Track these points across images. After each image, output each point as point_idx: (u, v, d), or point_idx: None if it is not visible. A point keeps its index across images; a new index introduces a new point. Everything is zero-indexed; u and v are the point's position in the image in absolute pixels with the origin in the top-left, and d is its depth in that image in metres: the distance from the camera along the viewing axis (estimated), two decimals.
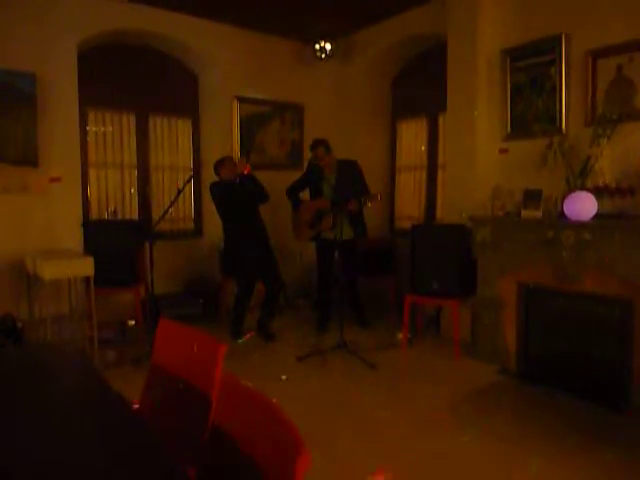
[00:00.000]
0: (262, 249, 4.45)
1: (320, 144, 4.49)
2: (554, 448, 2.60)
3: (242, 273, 4.51)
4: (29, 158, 4.20)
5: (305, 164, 5.25)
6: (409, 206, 5.79)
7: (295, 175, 4.96)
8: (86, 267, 3.80)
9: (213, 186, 4.43)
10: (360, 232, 4.56)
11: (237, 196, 4.31)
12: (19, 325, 4.00)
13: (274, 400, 1.16)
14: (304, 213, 4.58)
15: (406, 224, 5.61)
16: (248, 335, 4.43)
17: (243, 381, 1.30)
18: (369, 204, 4.13)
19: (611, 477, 2.36)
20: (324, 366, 3.81)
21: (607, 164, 3.39)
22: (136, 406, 1.68)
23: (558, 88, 3.75)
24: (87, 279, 3.88)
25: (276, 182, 5.63)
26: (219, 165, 4.42)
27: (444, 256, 4.10)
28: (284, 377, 3.59)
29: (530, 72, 3.93)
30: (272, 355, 4.09)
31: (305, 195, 4.77)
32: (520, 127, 4.00)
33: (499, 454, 2.57)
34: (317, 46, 5.52)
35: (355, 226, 4.49)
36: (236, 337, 4.42)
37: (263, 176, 5.72)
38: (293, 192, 4.71)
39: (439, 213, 5.33)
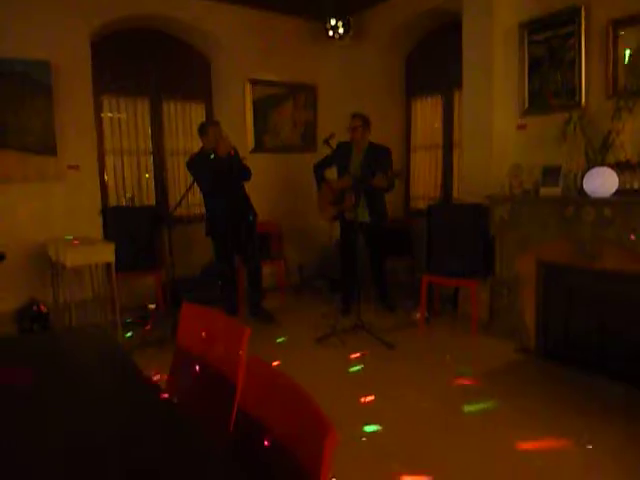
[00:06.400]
0: (240, 225, 4.43)
1: (360, 116, 4.43)
2: (576, 426, 2.61)
3: (218, 248, 4.51)
4: (48, 147, 4.26)
5: (318, 145, 5.23)
6: (425, 186, 5.74)
7: (309, 157, 4.95)
8: (107, 253, 3.87)
9: (196, 157, 4.33)
10: (377, 216, 4.47)
11: (225, 170, 4.22)
12: (45, 311, 4.11)
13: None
14: (327, 191, 4.54)
15: (422, 204, 5.58)
16: None
17: (267, 363, 1.32)
18: (396, 181, 4.10)
19: (636, 452, 2.37)
20: (343, 347, 3.85)
21: (629, 138, 3.32)
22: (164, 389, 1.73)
23: (577, 61, 3.66)
24: (108, 265, 3.95)
25: (291, 165, 5.65)
26: (203, 132, 4.31)
27: (461, 236, 4.08)
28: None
29: (548, 45, 3.84)
30: (291, 336, 4.14)
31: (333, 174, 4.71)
32: (538, 102, 3.93)
33: (522, 429, 2.59)
34: (329, 25, 5.44)
35: (372, 209, 4.42)
36: (231, 313, 4.48)
37: (277, 159, 5.74)
38: (319, 168, 4.63)
39: (456, 192, 5.28)
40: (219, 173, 4.18)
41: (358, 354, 3.67)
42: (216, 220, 4.43)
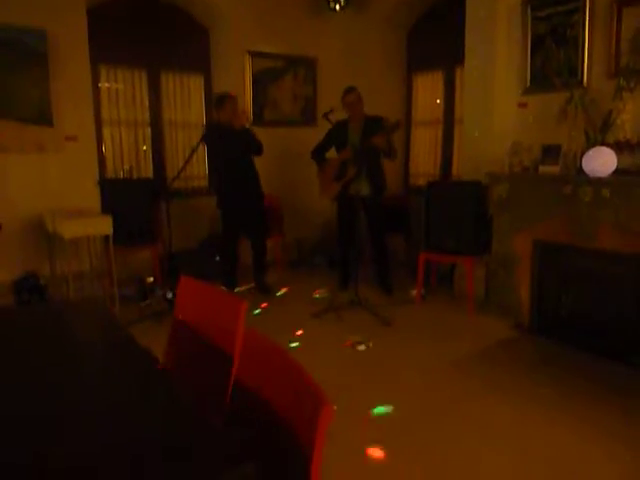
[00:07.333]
0: (251, 201, 4.45)
1: (356, 89, 4.35)
2: (567, 400, 2.67)
3: (225, 221, 4.52)
4: (44, 117, 4.21)
5: (318, 119, 5.17)
6: (424, 162, 5.71)
7: (309, 132, 4.90)
8: (105, 226, 3.87)
9: (209, 130, 4.34)
10: (376, 188, 4.39)
11: (237, 143, 4.24)
12: (42, 283, 4.12)
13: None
14: (329, 167, 4.47)
15: (422, 181, 5.56)
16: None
17: (264, 336, 1.34)
18: (393, 134, 4.09)
19: (625, 427, 2.42)
20: (339, 322, 3.89)
21: (629, 118, 3.30)
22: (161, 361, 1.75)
23: (580, 38, 3.61)
24: (106, 237, 3.95)
25: (290, 139, 5.60)
26: (220, 104, 4.32)
27: (459, 213, 4.08)
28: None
29: (551, 22, 3.78)
30: (287, 311, 4.17)
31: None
32: (540, 80, 3.89)
33: (510, 405, 2.64)
34: None
35: (372, 180, 4.34)
36: (230, 287, 4.50)
37: (277, 133, 5.68)
38: (318, 152, 4.55)
39: (455, 170, 5.27)
40: (232, 146, 4.19)
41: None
42: (227, 193, 4.43)
